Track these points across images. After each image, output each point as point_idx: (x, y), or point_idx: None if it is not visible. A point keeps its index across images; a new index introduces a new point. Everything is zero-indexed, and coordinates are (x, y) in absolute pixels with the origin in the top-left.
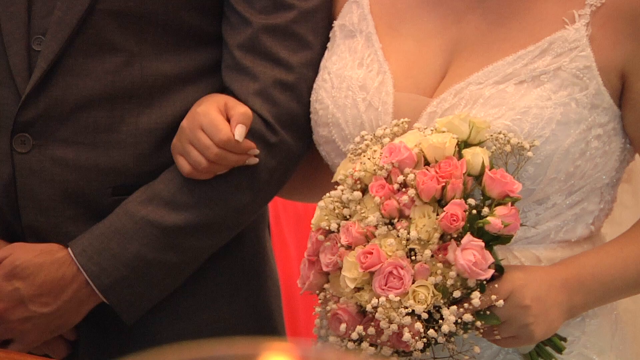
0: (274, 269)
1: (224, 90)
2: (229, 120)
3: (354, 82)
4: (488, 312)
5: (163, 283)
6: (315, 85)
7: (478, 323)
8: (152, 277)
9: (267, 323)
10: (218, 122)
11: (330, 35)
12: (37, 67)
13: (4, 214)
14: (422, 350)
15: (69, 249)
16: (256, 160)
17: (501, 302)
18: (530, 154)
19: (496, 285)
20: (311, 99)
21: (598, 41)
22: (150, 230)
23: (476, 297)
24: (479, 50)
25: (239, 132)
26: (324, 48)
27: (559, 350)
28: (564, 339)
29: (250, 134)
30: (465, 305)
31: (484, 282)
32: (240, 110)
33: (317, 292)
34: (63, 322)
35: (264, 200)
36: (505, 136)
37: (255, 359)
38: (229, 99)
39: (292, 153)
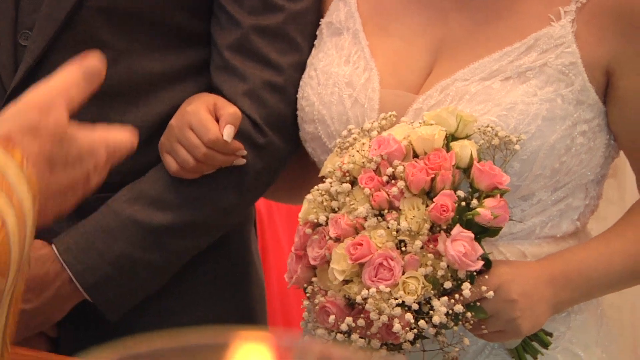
0: (258, 270)
1: (212, 90)
2: (217, 120)
3: (340, 78)
4: (478, 304)
5: (147, 282)
6: (301, 83)
7: (468, 314)
8: (136, 276)
9: (249, 324)
10: (207, 121)
11: (318, 33)
12: (23, 62)
13: None
14: (412, 342)
15: (53, 245)
16: (243, 161)
17: (491, 293)
18: (517, 147)
19: (486, 277)
20: (297, 95)
21: (584, 38)
22: (135, 230)
23: (467, 288)
24: (465, 48)
25: (228, 132)
26: (312, 50)
27: (545, 345)
28: (550, 334)
29: (239, 134)
30: (456, 296)
31: (474, 274)
32: (229, 110)
33: (305, 286)
34: (45, 319)
35: (250, 201)
36: (492, 129)
37: (231, 348)
38: (219, 99)
39: (280, 155)
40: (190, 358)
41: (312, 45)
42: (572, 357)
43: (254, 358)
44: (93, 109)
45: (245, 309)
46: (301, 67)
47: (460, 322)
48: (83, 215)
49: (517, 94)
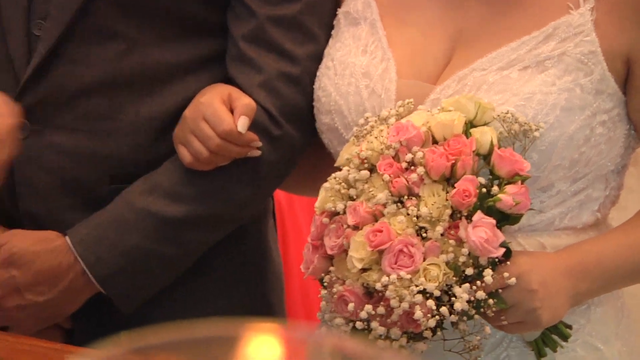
0: (277, 263)
1: (227, 81)
2: (232, 112)
3: (357, 69)
4: (500, 291)
5: (161, 275)
6: (318, 73)
7: (490, 301)
8: (150, 268)
9: (266, 318)
10: (221, 112)
11: (335, 23)
12: (36, 52)
13: (2, 201)
14: (433, 331)
15: (67, 237)
16: (258, 152)
17: (513, 279)
18: (537, 134)
19: (508, 263)
20: (314, 86)
21: (603, 26)
22: (149, 221)
23: (489, 275)
24: (483, 38)
25: (242, 123)
26: (327, 41)
27: (565, 338)
28: (570, 327)
29: (254, 126)
30: (478, 283)
31: (496, 261)
32: (244, 101)
33: (322, 276)
34: (59, 311)
35: (266, 193)
36: (512, 115)
37: (241, 340)
38: (233, 90)
39: (295, 146)
40: (200, 350)
41: (329, 35)
42: (592, 350)
43: (264, 350)
44: (106, 100)
45: (262, 303)
46: (317, 58)
47: (482, 310)
48: (96, 206)
49: (535, 83)
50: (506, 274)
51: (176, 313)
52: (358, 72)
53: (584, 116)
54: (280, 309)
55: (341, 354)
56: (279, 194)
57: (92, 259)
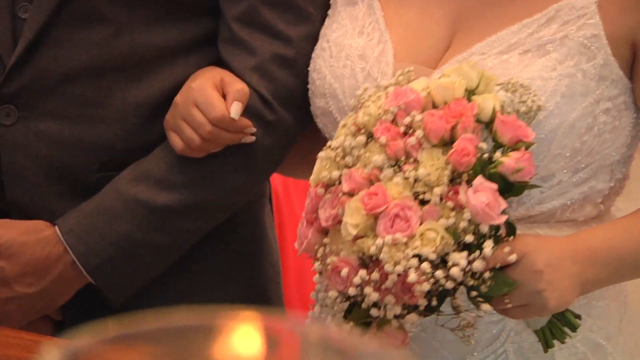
0: (274, 250)
1: (219, 63)
2: (224, 97)
3: (353, 51)
4: (502, 275)
5: (152, 265)
6: (313, 55)
7: (486, 274)
8: (141, 258)
9: (262, 305)
10: (213, 98)
11: (332, 2)
12: (22, 36)
13: None
14: (428, 302)
15: (56, 227)
16: (252, 138)
17: (514, 256)
18: (541, 102)
19: (511, 239)
20: (309, 68)
21: (607, 9)
22: (139, 210)
23: (489, 247)
24: (484, 20)
25: (235, 109)
26: (324, 21)
27: (574, 327)
28: (579, 317)
29: (247, 111)
30: (477, 253)
31: (498, 235)
32: (237, 86)
33: (316, 248)
34: (48, 303)
35: (259, 179)
36: (516, 83)
37: (220, 329)
38: (226, 74)
39: (290, 131)
40: (177, 340)
41: (324, 16)
42: (594, 346)
43: (244, 340)
44: (94, 85)
45: (258, 290)
46: (313, 39)
47: (477, 282)
48: (84, 194)
49: (535, 68)
50: (507, 249)
51: (169, 304)
52: (354, 55)
53: (586, 103)
54: (278, 298)
55: (327, 344)
56: (275, 179)
57: (82, 249)
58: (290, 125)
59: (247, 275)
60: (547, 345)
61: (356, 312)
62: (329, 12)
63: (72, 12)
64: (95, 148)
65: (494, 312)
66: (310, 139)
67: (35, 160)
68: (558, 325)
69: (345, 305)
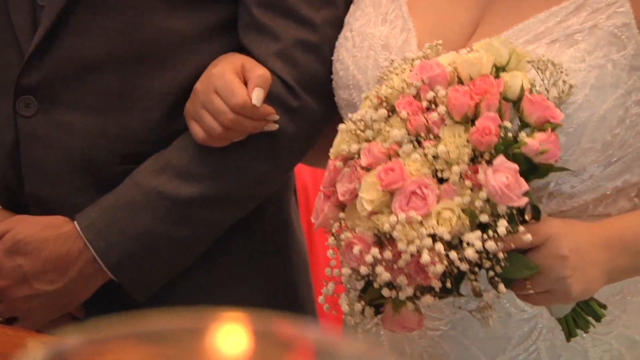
0: (300, 242)
1: (241, 49)
2: (246, 84)
3: (377, 40)
4: (525, 259)
5: (175, 259)
6: (337, 44)
7: (501, 254)
8: (163, 253)
9: (293, 301)
10: (234, 85)
11: None
12: (40, 24)
13: (7, 183)
14: (443, 284)
15: (75, 222)
16: (275, 126)
17: (529, 236)
18: (573, 81)
19: (532, 221)
20: (332, 58)
21: None
22: (161, 203)
23: (502, 226)
24: (512, 7)
25: (257, 96)
26: (349, 5)
27: (598, 318)
28: (604, 306)
29: (269, 98)
30: (490, 232)
31: (514, 215)
32: (258, 72)
33: (332, 222)
34: (70, 300)
35: (285, 169)
36: (547, 60)
37: (204, 332)
38: (247, 60)
39: (315, 118)
40: (167, 341)
41: (349, 0)
42: (629, 343)
43: (231, 342)
44: (116, 74)
45: (287, 285)
46: (337, 23)
47: (492, 263)
48: (106, 188)
49: (563, 59)
50: (521, 229)
51: (194, 299)
52: (377, 44)
53: (617, 95)
54: (307, 291)
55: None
56: (305, 175)
57: (103, 244)
58: (315, 112)
59: (274, 269)
60: (569, 335)
61: (371, 291)
62: None
63: None
64: (118, 140)
65: (526, 309)
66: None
67: (56, 152)
68: (582, 315)
69: (361, 283)
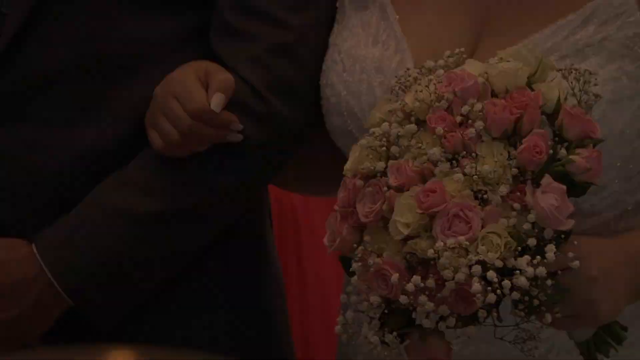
0: (275, 266)
1: (214, 58)
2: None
3: (369, 63)
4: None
5: (140, 283)
6: (324, 67)
7: (549, 281)
8: (126, 275)
9: (265, 327)
10: (193, 89)
11: (338, 4)
12: (2, 34)
13: None
14: (487, 311)
15: (33, 244)
16: (240, 137)
17: (577, 262)
18: (598, 88)
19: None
20: (321, 82)
21: None
22: (121, 221)
23: (551, 251)
24: (513, 23)
25: (216, 101)
26: (329, 4)
27: (620, 340)
28: (625, 329)
29: (233, 104)
30: (538, 257)
31: (562, 237)
32: (220, 77)
33: (354, 246)
34: (27, 330)
35: (256, 182)
36: (579, 69)
37: None
38: (210, 65)
39: (287, 126)
40: None
41: (330, 1)
42: None
43: None
44: (84, 86)
45: (260, 309)
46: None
47: (538, 290)
48: (72, 209)
49: None
50: (571, 254)
51: (164, 328)
52: (370, 67)
53: (635, 107)
54: (282, 318)
55: None
56: (294, 197)
57: (60, 267)
58: (287, 119)
59: (246, 293)
60: (589, 359)
61: (393, 319)
62: (337, 17)
63: (57, 4)
64: (86, 155)
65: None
66: (330, 155)
67: (18, 170)
68: (603, 337)
69: (379, 310)
